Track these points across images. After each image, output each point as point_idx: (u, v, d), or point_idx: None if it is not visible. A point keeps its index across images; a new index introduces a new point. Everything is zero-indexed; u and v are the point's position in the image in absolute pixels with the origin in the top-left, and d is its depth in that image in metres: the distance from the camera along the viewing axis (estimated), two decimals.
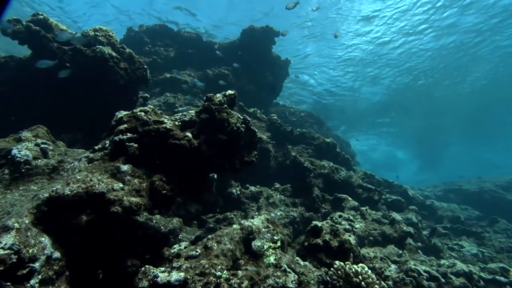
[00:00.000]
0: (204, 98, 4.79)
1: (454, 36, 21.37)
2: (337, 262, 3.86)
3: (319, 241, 4.89)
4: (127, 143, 4.37)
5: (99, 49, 6.56)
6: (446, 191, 23.66)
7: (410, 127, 42.49)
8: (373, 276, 3.66)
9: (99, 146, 4.39)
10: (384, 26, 20.91)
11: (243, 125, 5.03)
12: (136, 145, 4.44)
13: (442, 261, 6.60)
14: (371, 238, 6.84)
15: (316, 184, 9.29)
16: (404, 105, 33.98)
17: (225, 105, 4.89)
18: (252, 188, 9.47)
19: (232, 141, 4.94)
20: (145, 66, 7.89)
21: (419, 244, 7.87)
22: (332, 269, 3.84)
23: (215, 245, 3.99)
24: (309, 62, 25.40)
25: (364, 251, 6.13)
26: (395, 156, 63.58)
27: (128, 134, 4.44)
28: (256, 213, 8.73)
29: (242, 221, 4.93)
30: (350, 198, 8.77)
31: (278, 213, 8.41)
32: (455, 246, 11.77)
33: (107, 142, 4.39)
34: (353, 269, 3.66)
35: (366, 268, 3.70)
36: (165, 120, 4.76)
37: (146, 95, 9.31)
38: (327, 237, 4.88)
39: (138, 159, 4.47)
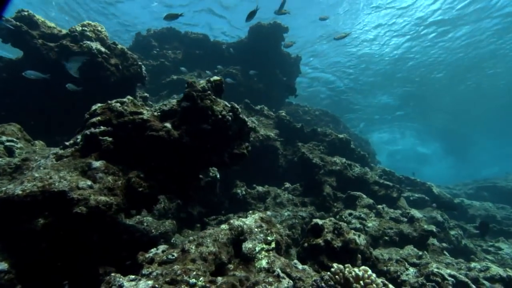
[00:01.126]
0: (185, 84, 4.31)
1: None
2: (335, 264, 3.24)
3: (320, 241, 4.27)
4: (100, 137, 3.96)
5: (86, 45, 6.27)
6: (478, 189, 21.99)
7: (437, 120, 40.22)
8: (378, 281, 3.02)
9: (70, 141, 4.00)
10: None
11: (231, 114, 4.51)
12: (110, 139, 4.02)
13: (473, 264, 5.75)
14: (386, 238, 6.10)
15: (327, 181, 8.60)
16: (428, 98, 32.10)
17: (209, 92, 4.40)
18: (260, 188, 8.92)
19: (218, 131, 4.44)
20: (140, 63, 7.57)
21: (445, 244, 7.01)
22: (329, 273, 3.22)
23: (193, 248, 3.48)
24: (326, 59, 24.54)
25: (377, 252, 5.42)
26: (421, 153, 60.99)
27: (102, 127, 4.03)
28: (268, 213, 8.16)
29: (231, 220, 4.39)
30: (364, 196, 8.03)
31: (286, 213, 7.81)
32: (491, 248, 10.67)
33: (79, 137, 3.99)
34: (353, 273, 3.04)
35: (370, 272, 3.07)
36: (143, 111, 4.32)
37: (146, 94, 9.00)
38: (329, 236, 4.25)
39: (113, 154, 4.05)
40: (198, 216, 7.88)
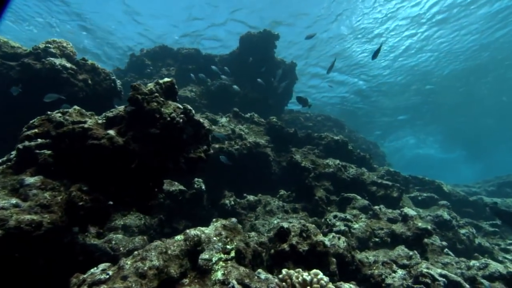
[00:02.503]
0: (130, 87, 4.06)
1: None
2: (284, 270, 2.84)
3: (285, 246, 3.84)
4: (37, 151, 3.72)
5: (49, 61, 6.19)
6: (500, 185, 20.50)
7: (457, 124, 38.49)
8: (330, 285, 2.59)
9: (4, 158, 3.76)
10: None
11: (182, 116, 4.22)
12: (49, 152, 3.78)
13: (472, 262, 5.15)
14: (376, 239, 5.57)
15: (319, 185, 8.13)
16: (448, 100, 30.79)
17: (156, 94, 4.13)
18: (250, 197, 8.52)
19: (169, 135, 4.15)
20: (113, 77, 7.45)
21: (444, 243, 6.38)
22: (276, 280, 2.81)
23: (128, 263, 3.14)
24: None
25: (363, 255, 4.91)
26: (444, 158, 58.21)
27: (39, 140, 3.80)
28: (256, 221, 7.74)
29: (188, 230, 4.04)
30: (359, 197, 7.51)
31: (275, 221, 7.37)
32: (510, 247, 9.84)
33: (14, 152, 3.77)
34: (301, 278, 2.61)
35: (321, 275, 2.65)
36: (88, 120, 4.08)
37: None
38: (295, 240, 3.82)
39: (53, 168, 3.81)
40: (184, 230, 7.52)
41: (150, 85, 4.25)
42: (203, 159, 4.41)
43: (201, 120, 4.46)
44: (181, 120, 4.18)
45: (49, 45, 6.52)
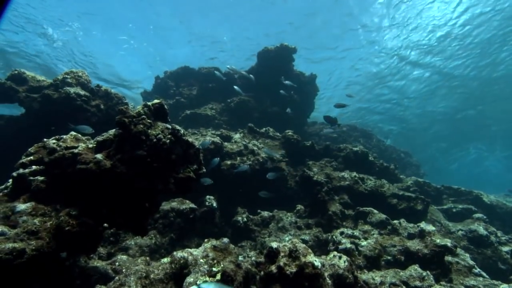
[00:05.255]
0: (117, 111, 4.17)
1: None
2: None
3: (273, 268, 3.65)
4: (31, 177, 3.90)
5: (65, 90, 6.59)
6: None
7: None
8: None
9: (2, 186, 3.97)
10: None
11: (170, 136, 4.25)
12: (41, 178, 3.95)
13: (502, 286, 4.59)
14: (388, 257, 5.15)
15: (334, 199, 7.79)
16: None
17: (143, 116, 4.20)
18: (265, 213, 8.36)
19: (157, 156, 4.17)
20: (126, 101, 7.75)
21: (471, 262, 5.75)
22: None
23: None
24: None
25: (369, 275, 4.54)
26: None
27: (34, 166, 3.99)
28: (267, 239, 7.55)
29: (174, 252, 3.98)
30: (375, 211, 7.07)
31: (287, 238, 7.14)
32: None
33: (10, 180, 3.97)
34: None
35: None
36: (80, 144, 4.23)
37: None
38: (283, 261, 3.63)
39: (46, 194, 3.97)
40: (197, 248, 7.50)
41: (139, 108, 4.34)
42: (193, 178, 4.38)
43: (190, 140, 4.46)
44: (168, 141, 4.21)
45: (66, 76, 6.98)
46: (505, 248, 8.21)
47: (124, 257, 5.63)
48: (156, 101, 4.52)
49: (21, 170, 3.88)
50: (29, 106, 6.62)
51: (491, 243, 8.19)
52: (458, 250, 5.98)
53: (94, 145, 4.24)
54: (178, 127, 4.45)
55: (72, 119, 6.67)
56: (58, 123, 6.49)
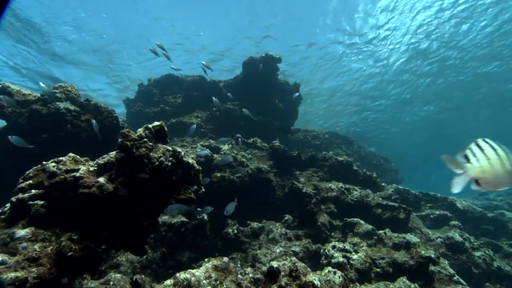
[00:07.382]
0: (120, 134, 4.21)
1: None
2: None
3: None
4: (30, 202, 3.88)
5: (54, 106, 6.49)
6: None
7: None
8: None
9: None
10: None
11: (171, 159, 4.33)
12: (41, 202, 3.93)
13: None
14: (378, 269, 5.43)
15: (321, 210, 8.05)
16: None
17: (145, 139, 4.27)
18: (254, 225, 8.51)
19: (158, 179, 4.25)
20: (115, 115, 7.72)
21: (451, 271, 6.14)
22: None
23: None
24: None
25: None
26: None
27: (33, 191, 3.96)
28: (258, 251, 7.69)
29: (177, 274, 4.06)
30: (362, 222, 7.39)
31: (278, 250, 7.32)
32: None
33: (8, 205, 3.93)
34: None
35: None
36: (81, 167, 4.24)
37: None
38: (284, 281, 3.80)
39: (45, 218, 3.95)
40: (188, 262, 7.54)
41: (140, 131, 4.40)
42: (193, 199, 4.48)
43: (190, 161, 4.55)
44: (169, 164, 4.29)
45: (55, 90, 6.86)
46: (478, 253, 8.74)
47: (118, 275, 5.62)
48: (156, 123, 4.59)
49: (20, 195, 3.85)
50: (15, 121, 6.48)
51: (466, 249, 8.70)
52: (440, 260, 6.35)
53: (95, 167, 4.26)
54: (178, 149, 4.54)
55: (61, 134, 6.60)
56: (47, 139, 6.41)
